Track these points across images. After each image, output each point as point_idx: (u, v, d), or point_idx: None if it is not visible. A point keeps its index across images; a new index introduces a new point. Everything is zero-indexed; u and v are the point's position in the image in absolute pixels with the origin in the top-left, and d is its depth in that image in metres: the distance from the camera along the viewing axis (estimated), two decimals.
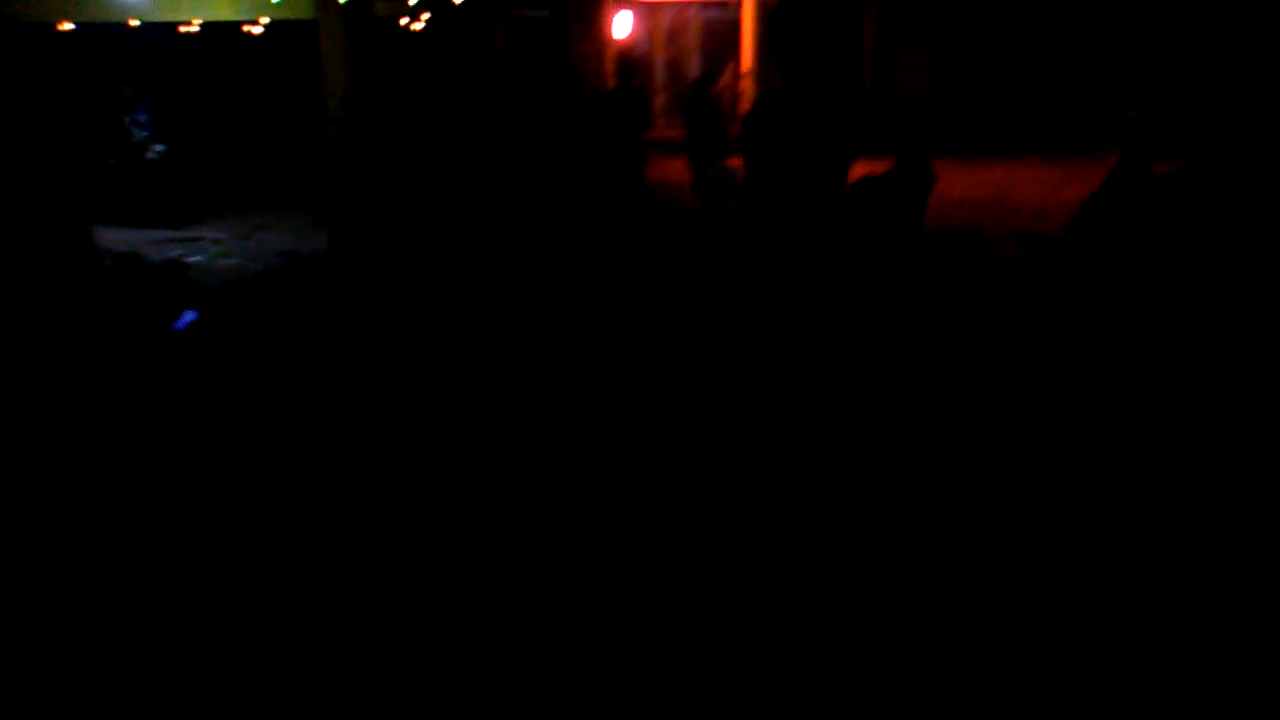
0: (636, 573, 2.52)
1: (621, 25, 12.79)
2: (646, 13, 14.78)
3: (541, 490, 3.02)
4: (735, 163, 8.07)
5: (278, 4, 9.46)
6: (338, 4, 9.19)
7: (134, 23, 9.76)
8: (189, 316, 4.23)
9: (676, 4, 14.69)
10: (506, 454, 3.29)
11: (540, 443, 3.38)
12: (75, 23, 9.76)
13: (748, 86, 13.06)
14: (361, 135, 4.52)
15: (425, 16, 10.50)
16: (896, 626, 2.26)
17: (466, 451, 3.33)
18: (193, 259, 7.30)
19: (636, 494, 2.97)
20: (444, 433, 3.49)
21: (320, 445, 3.38)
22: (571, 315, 5.04)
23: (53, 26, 9.73)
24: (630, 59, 7.43)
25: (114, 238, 8.25)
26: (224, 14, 10.00)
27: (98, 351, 3.60)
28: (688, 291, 5.43)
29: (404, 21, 10.42)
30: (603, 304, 5.30)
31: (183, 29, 9.98)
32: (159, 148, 9.08)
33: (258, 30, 9.88)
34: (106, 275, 3.79)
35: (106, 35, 10.07)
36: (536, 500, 2.95)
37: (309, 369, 4.11)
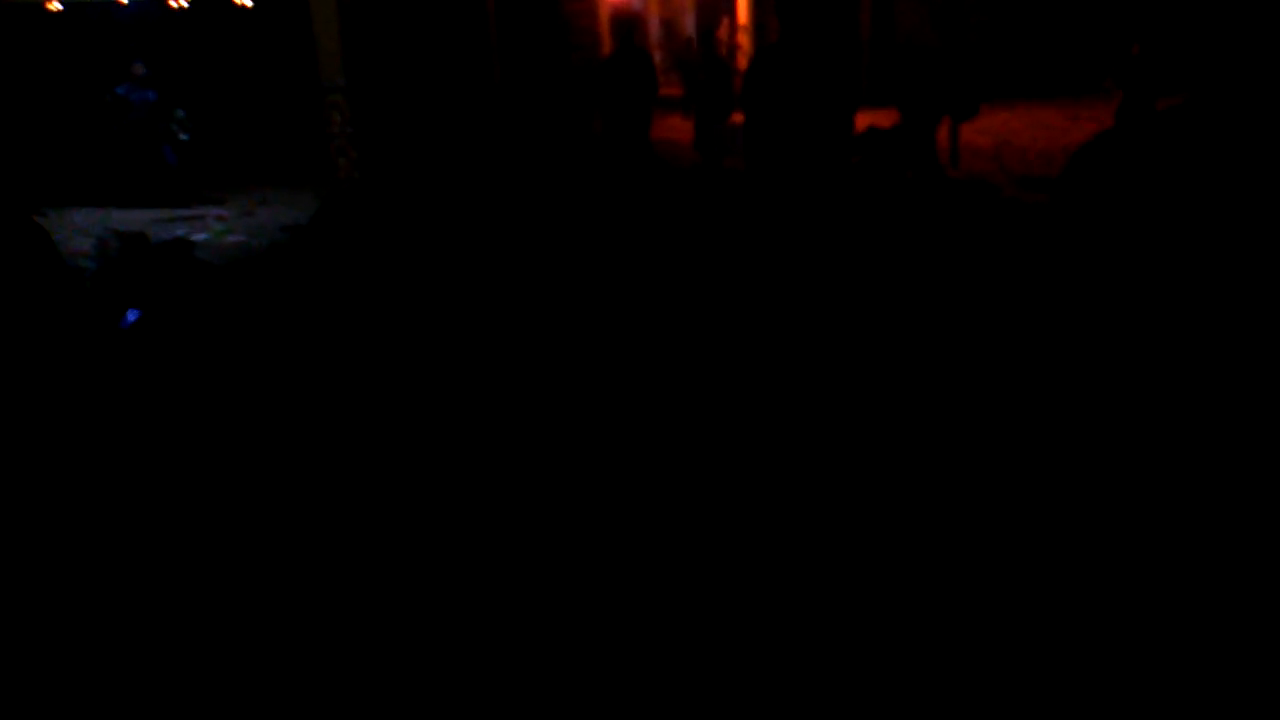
0: (636, 569, 2.52)
1: None
2: None
3: (539, 479, 3.01)
4: (739, 118, 8.00)
5: None
6: None
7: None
8: (132, 316, 4.20)
9: None
10: (504, 445, 3.25)
11: (539, 429, 3.36)
12: (63, 1, 9.66)
13: (744, 41, 12.92)
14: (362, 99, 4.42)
15: None
16: (897, 624, 2.26)
17: (460, 439, 3.30)
18: (198, 237, 7.30)
19: (637, 485, 2.97)
20: (437, 416, 3.47)
21: (318, 434, 3.36)
22: (572, 289, 5.03)
23: (41, 5, 9.64)
24: (628, 19, 7.28)
25: (119, 218, 8.27)
26: None
27: (70, 342, 3.55)
28: (691, 257, 5.41)
29: None
30: (605, 274, 5.29)
31: (172, 2, 9.88)
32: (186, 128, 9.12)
33: (248, 1, 9.77)
34: (58, 264, 3.65)
35: (96, 12, 9.97)
36: (534, 490, 2.94)
37: (309, 349, 4.09)
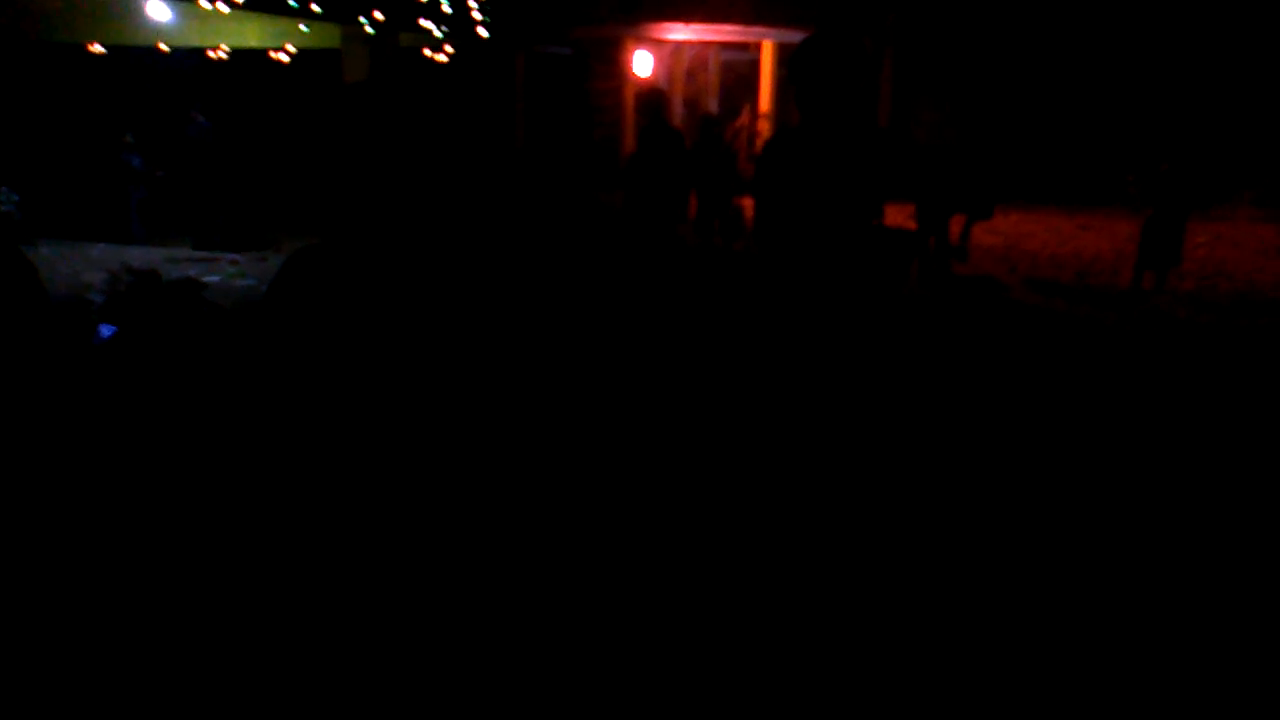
0: (637, 574, 2.52)
1: (641, 64, 12.95)
2: (666, 53, 14.97)
3: (543, 490, 2.99)
4: (746, 202, 8.08)
5: (306, 32, 9.64)
6: (364, 34, 9.35)
7: (163, 47, 9.94)
8: (106, 332, 4.17)
9: (695, 45, 14.87)
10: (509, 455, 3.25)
11: (543, 444, 3.34)
12: (105, 45, 9.95)
13: (765, 127, 13.18)
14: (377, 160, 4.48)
15: (449, 49, 10.67)
16: (896, 627, 2.27)
17: (467, 452, 3.29)
18: (210, 279, 7.36)
19: (638, 494, 2.95)
20: (446, 431, 3.44)
21: (318, 443, 3.33)
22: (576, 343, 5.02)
23: (83, 48, 9.92)
24: (654, 96, 7.07)
25: (135, 255, 8.35)
26: (252, 41, 10.19)
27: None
28: (697, 332, 5.42)
29: (427, 53, 10.59)
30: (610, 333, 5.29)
31: (211, 55, 10.17)
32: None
33: (284, 58, 10.05)
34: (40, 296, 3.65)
35: (136, 59, 10.26)
36: (537, 500, 2.92)
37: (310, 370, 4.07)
